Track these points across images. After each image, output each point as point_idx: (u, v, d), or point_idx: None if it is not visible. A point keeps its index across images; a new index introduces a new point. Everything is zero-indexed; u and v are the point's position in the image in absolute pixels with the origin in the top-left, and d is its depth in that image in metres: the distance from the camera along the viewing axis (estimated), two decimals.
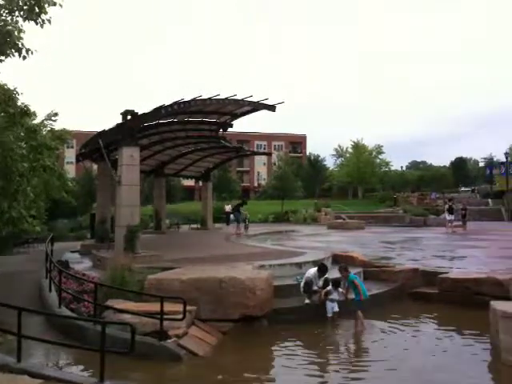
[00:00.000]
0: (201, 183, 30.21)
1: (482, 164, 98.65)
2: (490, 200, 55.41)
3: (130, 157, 14.05)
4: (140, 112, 14.31)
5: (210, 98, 14.65)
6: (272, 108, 15.92)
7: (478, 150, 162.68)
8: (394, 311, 10.73)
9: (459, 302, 10.91)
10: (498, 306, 7.43)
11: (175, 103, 14.11)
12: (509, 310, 7.08)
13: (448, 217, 29.59)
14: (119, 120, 14.63)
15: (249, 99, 15.52)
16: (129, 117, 14.31)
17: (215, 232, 26.90)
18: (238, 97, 15.32)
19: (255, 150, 79.43)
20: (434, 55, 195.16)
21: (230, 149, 26.17)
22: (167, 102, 14.15)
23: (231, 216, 40.47)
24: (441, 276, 12.00)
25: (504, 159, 48.78)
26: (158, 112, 14.35)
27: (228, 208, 40.07)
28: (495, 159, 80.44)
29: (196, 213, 33.48)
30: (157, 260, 13.00)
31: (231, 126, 19.71)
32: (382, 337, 8.93)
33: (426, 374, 6.92)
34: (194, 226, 30.38)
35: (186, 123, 19.17)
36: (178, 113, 16.11)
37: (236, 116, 18.74)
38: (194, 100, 14.33)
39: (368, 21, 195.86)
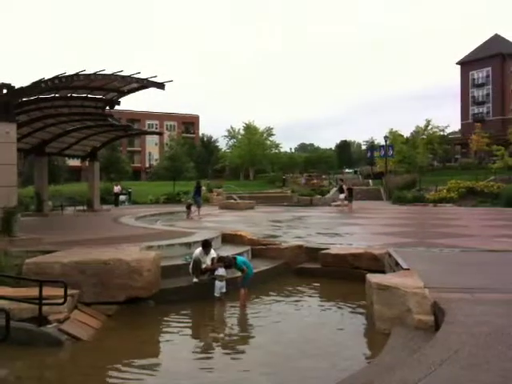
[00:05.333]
0: (87, 163, 28.84)
1: (364, 147, 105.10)
2: (370, 181, 59.00)
3: (5, 134, 13.01)
4: (17, 86, 13.28)
5: (94, 73, 13.95)
6: (161, 86, 15.53)
7: (362, 134, 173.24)
8: (279, 287, 11.15)
9: (340, 276, 11.62)
10: (373, 278, 7.89)
11: (56, 77, 13.27)
12: (382, 282, 7.54)
13: (340, 196, 32.16)
14: None
15: (136, 76, 15.03)
16: (4, 90, 13.23)
17: (102, 214, 25.95)
18: (125, 73, 14.78)
19: (146, 129, 77.39)
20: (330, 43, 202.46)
21: (117, 127, 25.20)
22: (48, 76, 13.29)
23: (121, 197, 39.43)
24: (322, 252, 12.67)
25: (383, 142, 52.16)
26: (38, 86, 13.39)
27: (117, 189, 38.85)
28: (376, 142, 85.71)
29: (82, 194, 31.96)
30: (37, 243, 12.24)
31: (118, 103, 18.93)
32: (266, 312, 9.23)
33: (304, 345, 7.22)
34: (80, 207, 29.06)
35: (70, 99, 18.12)
36: (60, 87, 15.16)
37: (123, 93, 18.02)
38: (76, 74, 13.57)
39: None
